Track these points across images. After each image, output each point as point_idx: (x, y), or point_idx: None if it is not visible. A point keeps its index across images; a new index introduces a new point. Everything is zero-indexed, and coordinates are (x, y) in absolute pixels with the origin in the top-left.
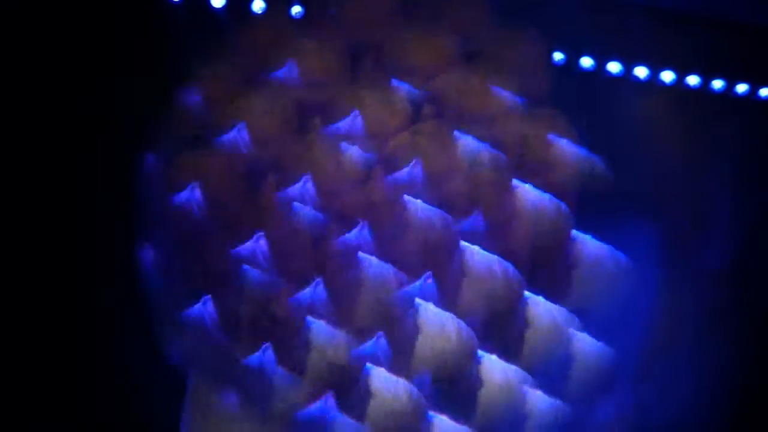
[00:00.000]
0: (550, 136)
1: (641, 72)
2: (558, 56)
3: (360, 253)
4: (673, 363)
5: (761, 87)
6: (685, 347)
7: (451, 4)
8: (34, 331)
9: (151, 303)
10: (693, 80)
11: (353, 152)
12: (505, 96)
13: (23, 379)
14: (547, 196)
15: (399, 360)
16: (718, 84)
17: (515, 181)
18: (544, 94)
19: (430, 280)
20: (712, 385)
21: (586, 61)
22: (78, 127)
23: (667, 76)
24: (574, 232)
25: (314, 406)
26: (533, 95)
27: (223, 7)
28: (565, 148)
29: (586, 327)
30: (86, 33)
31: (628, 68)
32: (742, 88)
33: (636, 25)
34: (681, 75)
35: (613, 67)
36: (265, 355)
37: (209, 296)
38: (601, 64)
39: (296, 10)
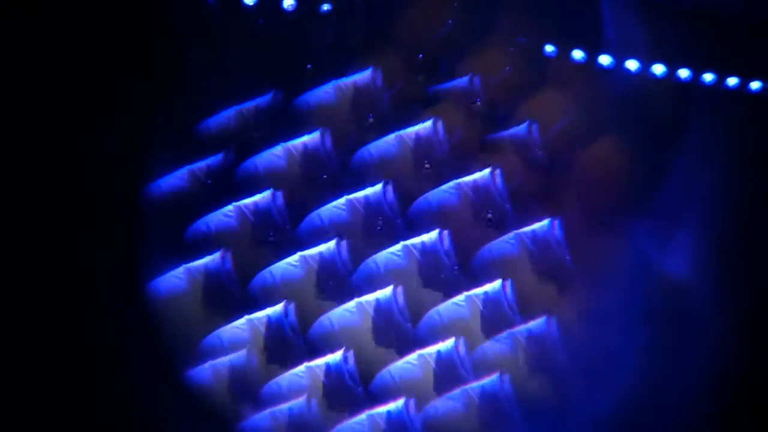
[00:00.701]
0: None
1: (632, 65)
2: (549, 48)
3: None
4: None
5: (752, 80)
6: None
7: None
8: (33, 332)
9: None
10: (684, 73)
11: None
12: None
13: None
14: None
15: None
16: (708, 77)
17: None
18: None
19: None
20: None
21: (577, 54)
22: (79, 127)
23: (658, 69)
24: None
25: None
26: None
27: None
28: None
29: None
30: (115, 31)
31: (619, 61)
32: (732, 81)
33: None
34: (672, 68)
35: (605, 59)
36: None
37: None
38: (592, 57)
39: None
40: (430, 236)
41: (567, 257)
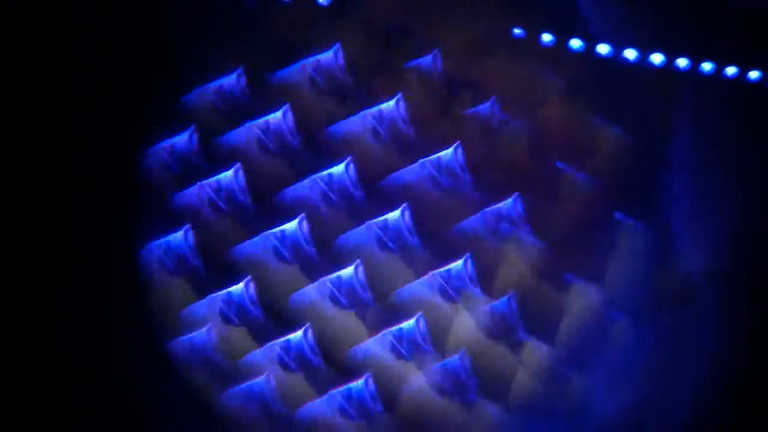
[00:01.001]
0: (592, 121)
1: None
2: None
3: None
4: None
5: (750, 70)
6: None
7: None
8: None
9: (153, 301)
10: (682, 62)
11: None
12: (547, 80)
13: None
14: (589, 180)
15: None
16: (707, 67)
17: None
18: (584, 78)
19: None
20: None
21: (575, 43)
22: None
23: (657, 58)
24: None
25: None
26: (573, 79)
27: None
28: (606, 132)
29: (622, 310)
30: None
31: (617, 51)
32: (731, 70)
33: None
34: (671, 57)
35: (603, 49)
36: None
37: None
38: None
39: None
40: (394, 214)
41: (529, 233)
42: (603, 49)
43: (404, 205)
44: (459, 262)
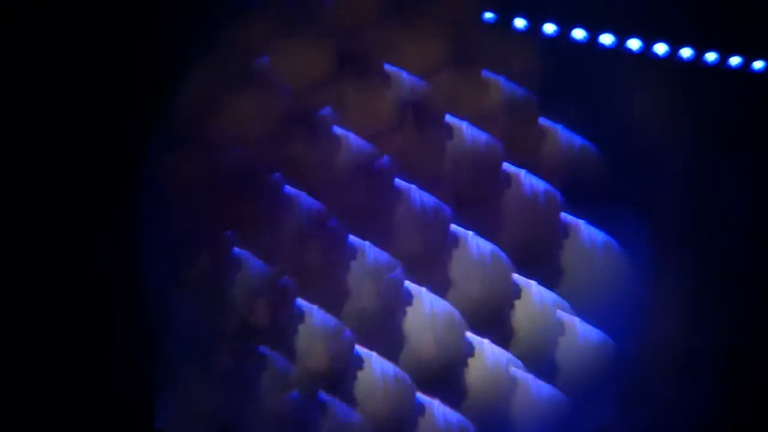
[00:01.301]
0: (542, 121)
1: (634, 44)
2: (551, 28)
3: None
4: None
5: (755, 60)
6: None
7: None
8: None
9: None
10: (686, 53)
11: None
12: (496, 83)
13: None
14: (539, 182)
15: None
16: (711, 57)
17: (508, 167)
18: (535, 78)
19: None
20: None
21: (578, 33)
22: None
23: (660, 48)
24: (566, 217)
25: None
26: (524, 80)
27: None
28: (557, 133)
29: (578, 313)
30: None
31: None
32: (735, 60)
33: None
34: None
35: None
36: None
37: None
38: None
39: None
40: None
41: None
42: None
43: None
44: None
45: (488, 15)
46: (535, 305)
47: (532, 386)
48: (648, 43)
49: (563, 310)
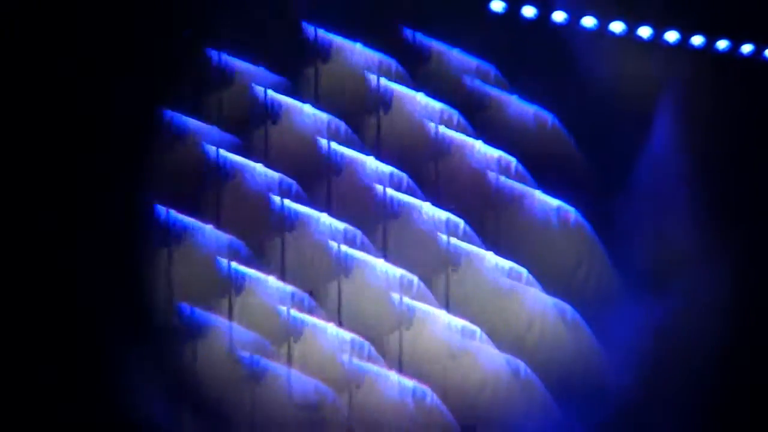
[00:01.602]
0: (500, 95)
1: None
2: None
3: None
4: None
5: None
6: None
7: None
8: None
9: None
10: (672, 36)
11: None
12: (455, 56)
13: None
14: (497, 152)
15: None
16: (723, 44)
17: (466, 138)
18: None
19: None
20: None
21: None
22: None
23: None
24: (523, 187)
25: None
26: (482, 53)
27: None
28: (515, 105)
29: (532, 281)
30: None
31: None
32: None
33: None
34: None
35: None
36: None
37: None
38: (575, 19)
39: None
40: None
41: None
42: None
43: None
44: None
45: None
46: (487, 272)
47: (485, 354)
48: (603, 23)
49: (516, 278)
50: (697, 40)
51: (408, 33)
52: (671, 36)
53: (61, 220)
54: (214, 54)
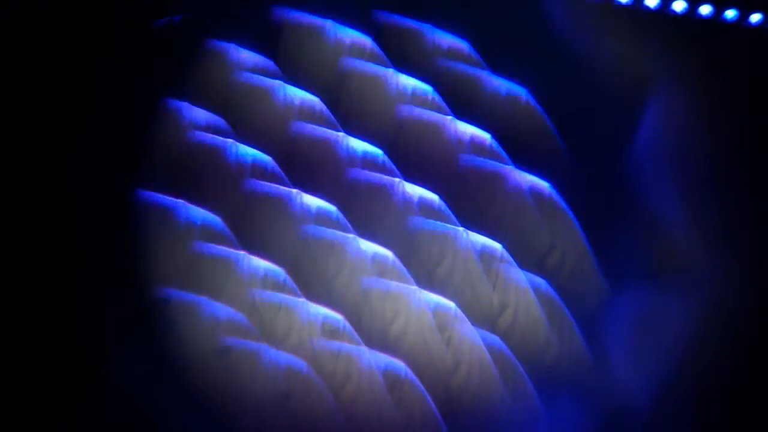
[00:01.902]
0: (473, 72)
1: None
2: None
3: None
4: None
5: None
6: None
7: None
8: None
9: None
10: (651, 2)
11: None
12: (429, 33)
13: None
14: (474, 129)
15: None
16: (705, 10)
17: (443, 116)
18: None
19: None
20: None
21: None
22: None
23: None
24: (497, 164)
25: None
26: (455, 30)
27: None
28: (489, 81)
29: (508, 257)
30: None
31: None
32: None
33: None
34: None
35: None
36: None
37: None
38: None
39: None
40: None
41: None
42: None
43: None
44: None
45: None
46: (464, 250)
47: (460, 329)
48: None
49: (493, 255)
50: (679, 6)
51: (382, 11)
52: (651, 2)
53: (47, 203)
54: (190, 33)
